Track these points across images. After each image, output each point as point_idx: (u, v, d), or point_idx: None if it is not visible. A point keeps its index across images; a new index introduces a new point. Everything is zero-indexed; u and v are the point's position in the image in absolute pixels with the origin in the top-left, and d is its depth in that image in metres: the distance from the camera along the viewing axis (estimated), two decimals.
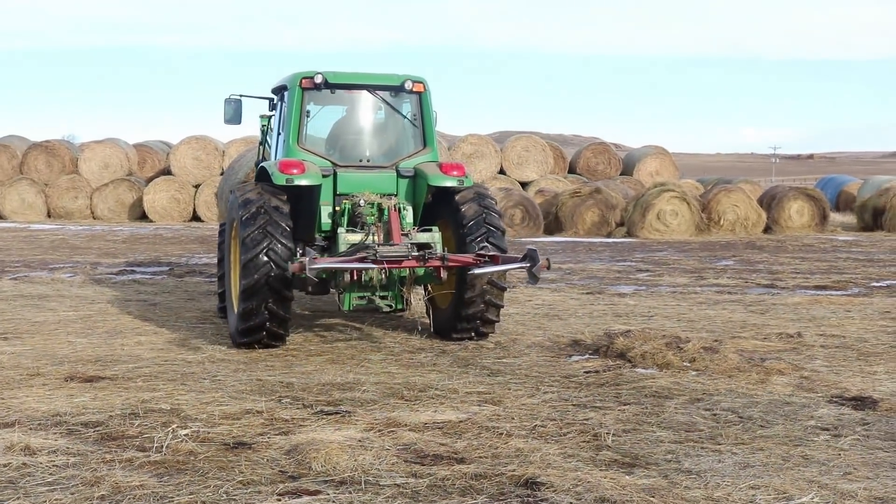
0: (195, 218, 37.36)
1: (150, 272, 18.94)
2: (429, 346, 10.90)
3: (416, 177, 11.20)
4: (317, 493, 5.76)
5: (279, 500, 5.63)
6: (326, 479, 6.03)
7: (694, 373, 9.35)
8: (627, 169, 40.60)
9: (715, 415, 7.77)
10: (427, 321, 11.56)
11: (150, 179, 38.99)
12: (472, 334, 11.08)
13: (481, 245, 10.67)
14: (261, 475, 6.08)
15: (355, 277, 10.21)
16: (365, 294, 10.53)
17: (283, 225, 10.22)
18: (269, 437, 6.96)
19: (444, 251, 10.47)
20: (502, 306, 11.20)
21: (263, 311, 10.16)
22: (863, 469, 6.35)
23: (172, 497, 5.66)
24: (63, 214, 38.35)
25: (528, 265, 10.02)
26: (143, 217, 37.71)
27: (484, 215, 10.88)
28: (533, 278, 10.18)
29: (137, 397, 8.15)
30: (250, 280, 10.02)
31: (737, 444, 6.91)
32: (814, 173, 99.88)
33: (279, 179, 10.48)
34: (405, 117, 11.55)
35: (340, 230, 10.61)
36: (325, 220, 10.99)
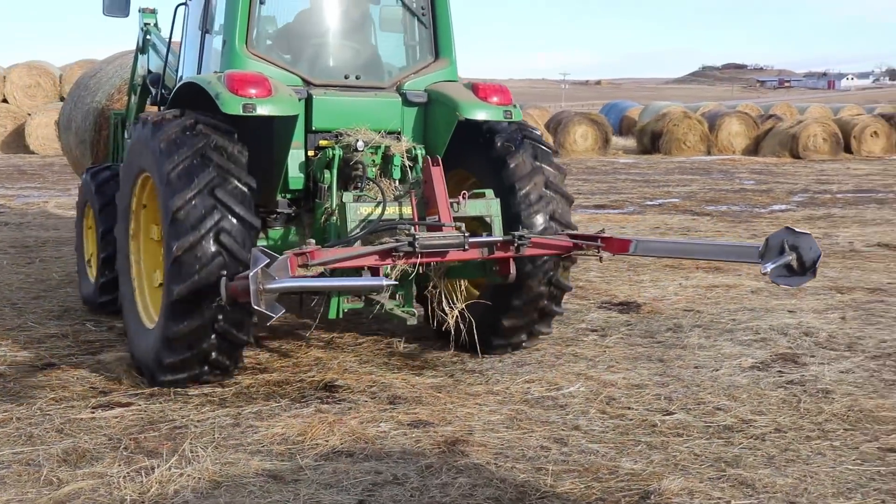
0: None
1: None
2: None
3: (432, 103, 7.29)
4: (128, 405, 6.12)
5: (93, 412, 5.95)
6: (136, 393, 6.38)
7: None
8: None
9: None
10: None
11: None
12: (524, 336, 7.40)
13: (542, 224, 7.10)
14: (73, 392, 6.37)
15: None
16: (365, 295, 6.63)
17: (242, 185, 6.29)
18: (77, 358, 7.21)
19: (524, 232, 6.68)
20: (570, 288, 7.51)
21: (208, 336, 6.24)
22: (624, 362, 7.21)
23: None
24: None
25: (791, 259, 5.63)
26: None
27: (545, 177, 7.29)
28: (798, 278, 5.67)
29: None
30: (187, 284, 6.06)
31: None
32: (601, 99, 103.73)
33: (231, 106, 6.31)
34: (411, 12, 7.57)
35: (347, 197, 6.55)
36: (296, 173, 6.98)
